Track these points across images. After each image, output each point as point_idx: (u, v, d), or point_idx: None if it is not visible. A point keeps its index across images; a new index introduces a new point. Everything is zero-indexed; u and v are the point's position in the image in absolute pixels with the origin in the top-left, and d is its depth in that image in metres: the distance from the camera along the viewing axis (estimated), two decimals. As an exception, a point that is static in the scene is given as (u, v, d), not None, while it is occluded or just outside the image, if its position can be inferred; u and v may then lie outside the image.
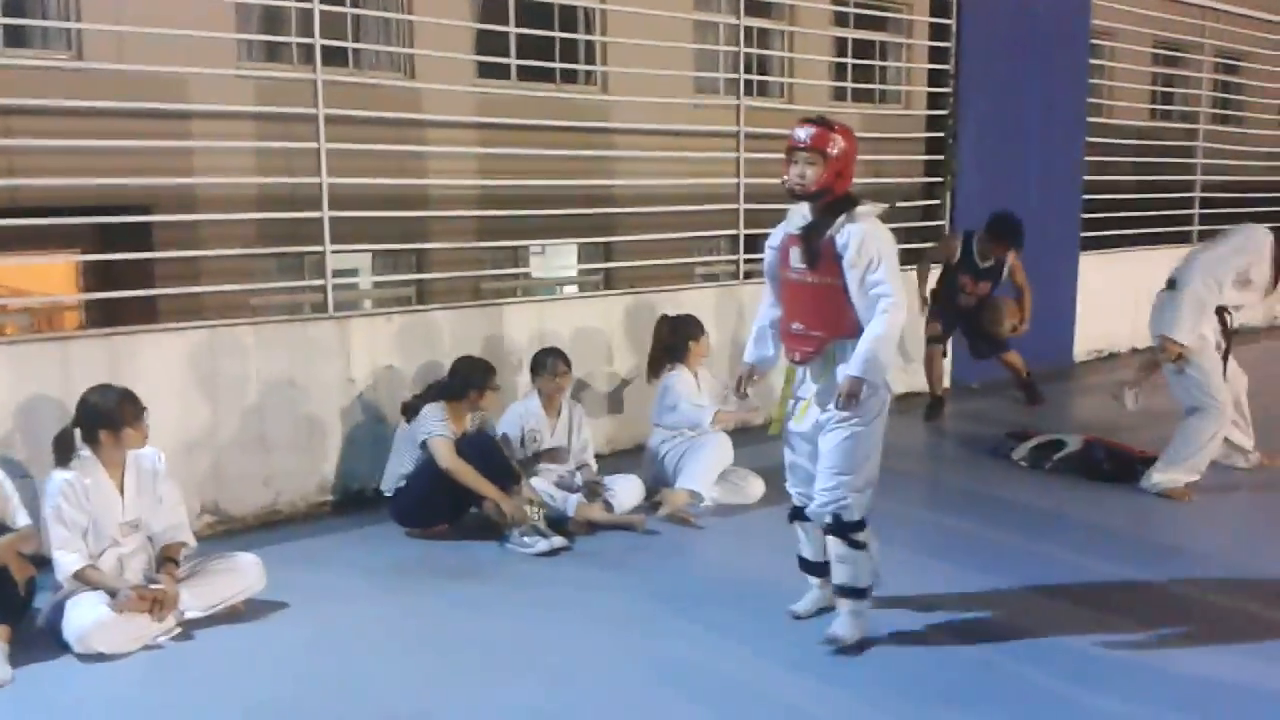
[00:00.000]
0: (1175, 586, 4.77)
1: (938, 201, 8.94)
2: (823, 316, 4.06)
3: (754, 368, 4.39)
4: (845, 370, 3.99)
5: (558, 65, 10.88)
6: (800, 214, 4.11)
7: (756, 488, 6.02)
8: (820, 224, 4.01)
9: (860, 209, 4.01)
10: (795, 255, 4.09)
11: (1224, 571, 4.96)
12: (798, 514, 4.31)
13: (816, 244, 4.01)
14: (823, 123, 4.06)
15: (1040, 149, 8.44)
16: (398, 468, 5.54)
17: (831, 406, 4.03)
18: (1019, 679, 3.88)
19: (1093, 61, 10.31)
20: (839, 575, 4.13)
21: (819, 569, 4.33)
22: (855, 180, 4.09)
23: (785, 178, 4.05)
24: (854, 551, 4.08)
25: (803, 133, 4.03)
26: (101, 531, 4.27)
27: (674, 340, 6.20)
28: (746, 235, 7.88)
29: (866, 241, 3.94)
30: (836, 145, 3.99)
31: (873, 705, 3.71)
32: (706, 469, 5.85)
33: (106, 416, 4.30)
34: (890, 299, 3.93)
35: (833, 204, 4.02)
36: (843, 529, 4.08)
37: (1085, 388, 9.24)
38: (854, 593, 4.12)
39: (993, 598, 4.59)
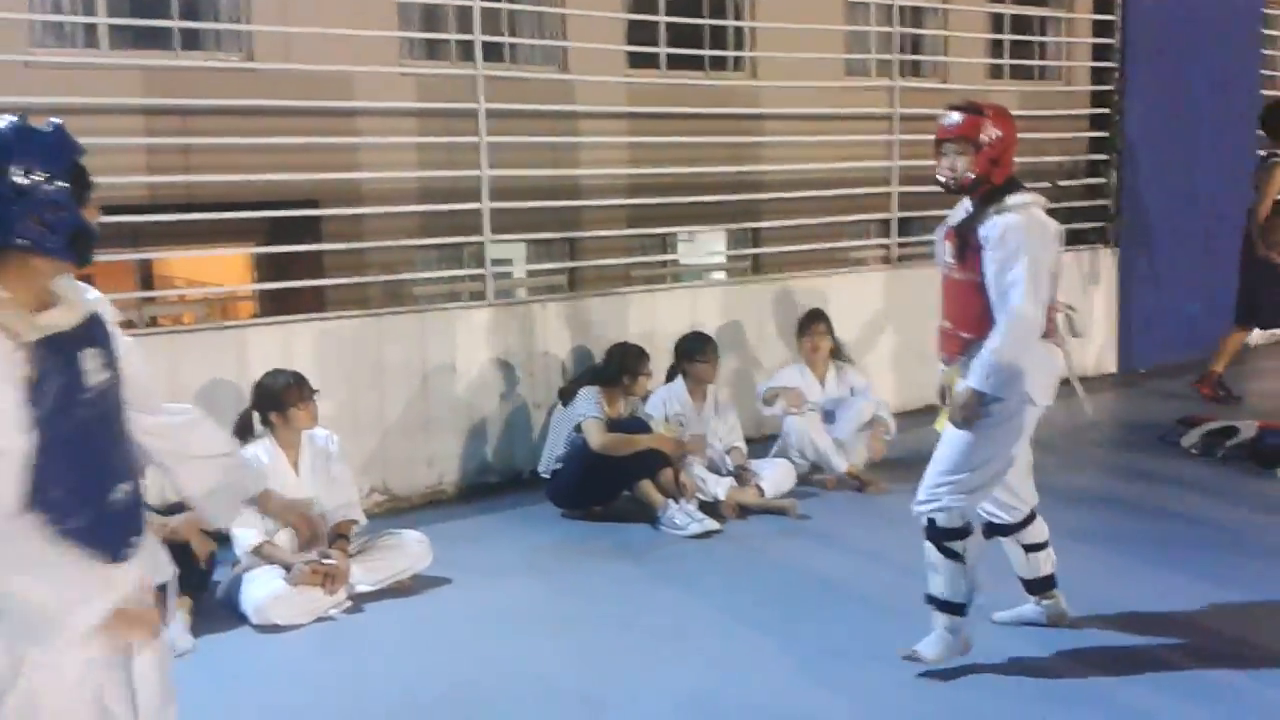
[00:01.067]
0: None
1: (1103, 180, 8.66)
2: (966, 315, 3.73)
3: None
4: (964, 381, 3.67)
5: (707, 53, 10.84)
6: (964, 206, 3.80)
7: (866, 410, 6.16)
8: (975, 217, 3.69)
9: (1012, 199, 3.65)
10: (947, 249, 3.79)
11: None
12: (991, 530, 3.96)
13: (966, 238, 3.69)
14: (972, 108, 3.70)
15: (1211, 125, 8.07)
16: (554, 450, 5.66)
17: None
18: (1178, 678, 3.75)
19: (1266, 32, 9.82)
20: (930, 584, 3.79)
21: (1032, 585, 4.04)
22: (1015, 159, 3.88)
23: (936, 170, 3.75)
24: (948, 561, 3.73)
25: (950, 120, 3.70)
26: (278, 509, 4.49)
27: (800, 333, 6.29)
28: (900, 219, 7.78)
29: (1009, 235, 3.58)
30: (988, 131, 3.64)
31: (1023, 704, 3.62)
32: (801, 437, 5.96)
33: (276, 398, 4.57)
34: (1018, 306, 3.55)
35: (990, 194, 3.68)
36: (937, 535, 3.74)
37: (1258, 372, 8.81)
38: (944, 605, 3.77)
39: (1149, 592, 4.45)
